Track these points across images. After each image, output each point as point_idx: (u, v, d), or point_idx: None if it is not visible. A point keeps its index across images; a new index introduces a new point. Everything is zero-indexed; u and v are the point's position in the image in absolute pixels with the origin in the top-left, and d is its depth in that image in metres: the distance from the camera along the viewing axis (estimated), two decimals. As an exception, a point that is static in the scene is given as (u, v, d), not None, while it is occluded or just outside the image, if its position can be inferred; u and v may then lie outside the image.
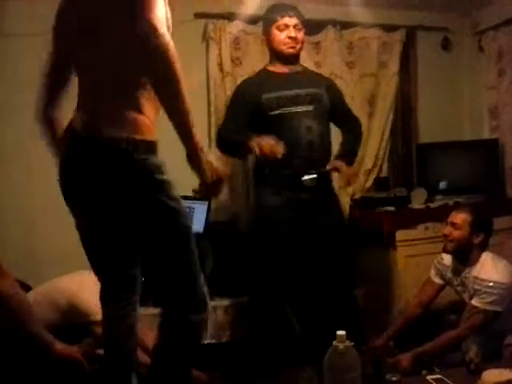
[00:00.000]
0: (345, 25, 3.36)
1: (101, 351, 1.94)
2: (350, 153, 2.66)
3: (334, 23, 3.32)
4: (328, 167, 2.52)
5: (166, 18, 1.46)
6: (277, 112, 2.48)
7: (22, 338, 1.78)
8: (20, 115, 2.72)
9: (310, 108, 2.50)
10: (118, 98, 1.49)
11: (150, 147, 1.51)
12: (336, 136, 2.74)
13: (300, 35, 2.52)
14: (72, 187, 1.58)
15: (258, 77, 2.64)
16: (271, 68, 2.60)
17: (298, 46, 2.54)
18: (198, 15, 3.07)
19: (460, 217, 2.30)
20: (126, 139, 1.45)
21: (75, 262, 2.35)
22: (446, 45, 3.65)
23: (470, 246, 2.28)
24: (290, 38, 2.48)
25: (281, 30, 2.49)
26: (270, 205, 2.51)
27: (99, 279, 1.74)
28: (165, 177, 1.53)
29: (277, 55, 2.56)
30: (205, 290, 1.64)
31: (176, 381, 1.65)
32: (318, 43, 3.32)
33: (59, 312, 2.12)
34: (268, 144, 2.30)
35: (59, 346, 1.80)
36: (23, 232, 2.83)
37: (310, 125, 2.48)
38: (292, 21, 2.49)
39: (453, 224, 2.30)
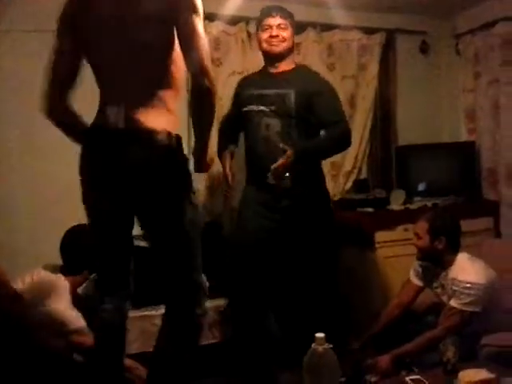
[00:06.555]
0: (325, 27, 3.38)
1: (78, 357, 1.95)
2: (307, 145, 2.47)
3: (314, 25, 3.34)
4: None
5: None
6: (245, 109, 2.57)
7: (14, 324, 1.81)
8: (22, 112, 2.67)
9: (273, 108, 2.49)
10: (151, 97, 1.62)
11: (180, 142, 1.67)
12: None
13: (284, 33, 2.52)
14: (103, 177, 1.62)
15: (251, 75, 2.77)
16: (262, 68, 2.67)
17: (282, 45, 2.52)
18: (179, 15, 3.04)
19: (419, 226, 2.36)
20: (167, 132, 1.59)
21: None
22: (424, 48, 3.70)
23: (436, 252, 2.31)
24: (271, 36, 2.50)
25: (264, 30, 2.53)
26: (243, 200, 2.64)
27: (101, 273, 1.79)
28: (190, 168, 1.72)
29: (264, 55, 2.61)
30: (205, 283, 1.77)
31: (179, 374, 1.72)
32: (297, 45, 3.30)
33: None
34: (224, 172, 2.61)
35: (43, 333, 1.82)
36: (26, 235, 2.79)
37: (269, 123, 2.49)
38: (274, 21, 2.51)
39: (416, 234, 2.37)
